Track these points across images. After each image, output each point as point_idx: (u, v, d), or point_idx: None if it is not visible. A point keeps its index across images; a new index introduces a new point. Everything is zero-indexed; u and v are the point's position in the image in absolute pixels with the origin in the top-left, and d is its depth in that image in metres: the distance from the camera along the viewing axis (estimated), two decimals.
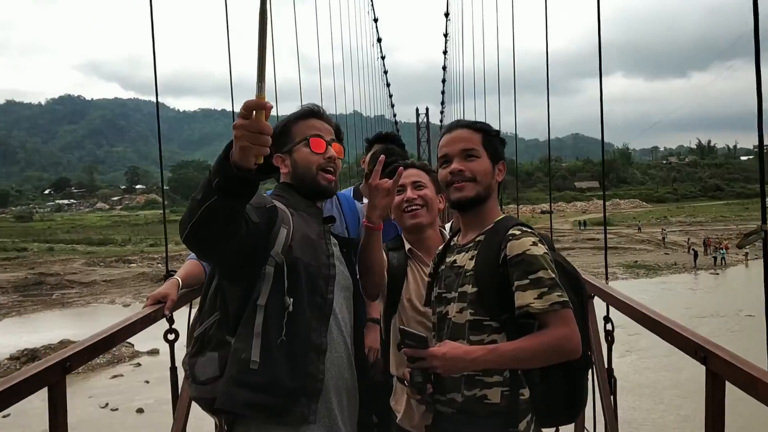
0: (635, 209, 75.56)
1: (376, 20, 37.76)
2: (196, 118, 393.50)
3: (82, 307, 29.73)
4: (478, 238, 1.87)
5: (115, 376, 16.30)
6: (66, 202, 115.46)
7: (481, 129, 1.93)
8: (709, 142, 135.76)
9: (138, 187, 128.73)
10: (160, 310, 2.31)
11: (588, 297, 2.46)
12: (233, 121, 1.39)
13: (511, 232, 1.77)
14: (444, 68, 47.62)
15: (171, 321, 2.39)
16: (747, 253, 39.06)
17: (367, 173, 2.98)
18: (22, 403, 1.56)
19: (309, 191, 2.01)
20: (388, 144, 3.26)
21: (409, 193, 2.32)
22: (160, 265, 39.18)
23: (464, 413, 1.78)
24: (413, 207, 2.31)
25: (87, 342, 1.91)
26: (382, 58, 42.32)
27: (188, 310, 2.51)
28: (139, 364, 17.23)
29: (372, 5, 36.81)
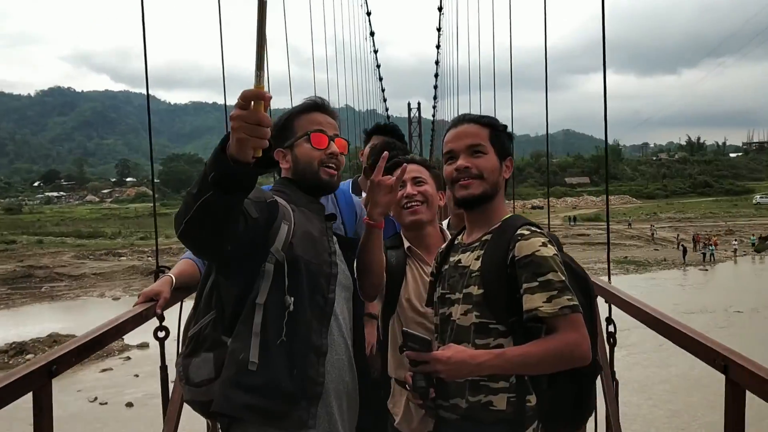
0: (625, 205, 75.84)
1: (369, 14, 37.58)
2: (187, 111, 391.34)
3: (72, 301, 29.54)
4: (484, 238, 1.80)
5: (104, 370, 16.21)
6: (55, 194, 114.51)
7: (489, 124, 1.86)
8: (699, 138, 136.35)
9: (128, 179, 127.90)
10: (151, 309, 2.23)
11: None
12: (225, 114, 1.35)
13: (519, 231, 1.71)
14: (437, 63, 47.47)
15: (161, 318, 2.31)
16: (735, 250, 39.39)
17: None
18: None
19: (310, 186, 1.95)
20: (388, 137, 3.17)
21: (409, 188, 2.26)
22: (150, 258, 39.00)
23: (468, 420, 1.72)
24: (413, 203, 2.25)
25: (74, 343, 1.83)
26: (375, 51, 42.13)
27: (179, 308, 2.48)
28: (128, 358, 17.14)
29: None
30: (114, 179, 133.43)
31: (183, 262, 2.44)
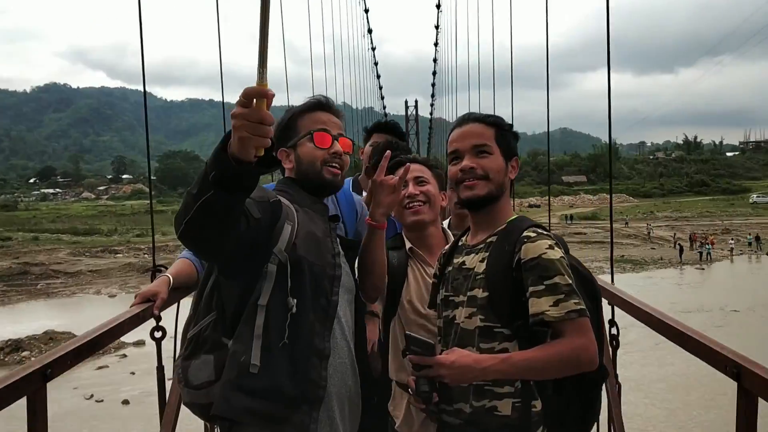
0: (622, 204, 75.94)
1: (366, 10, 37.53)
2: (183, 107, 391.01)
3: (67, 298, 29.49)
4: (489, 239, 1.77)
5: (100, 368, 16.16)
6: (51, 191, 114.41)
7: (494, 123, 1.82)
8: (696, 137, 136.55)
9: (124, 176, 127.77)
10: (148, 310, 2.19)
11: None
12: (222, 111, 1.31)
13: (525, 233, 1.67)
14: (435, 60, 47.47)
15: (158, 318, 2.27)
16: (732, 249, 39.48)
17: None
18: None
19: (313, 186, 1.91)
20: (388, 134, 3.12)
21: (411, 188, 2.23)
22: (146, 255, 38.95)
23: (472, 425, 1.69)
24: (415, 203, 2.22)
25: (69, 346, 1.78)
26: (373, 49, 42.09)
27: (176, 308, 2.44)
28: (124, 355, 17.10)
29: None
30: (110, 176, 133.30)
31: (180, 262, 2.40)
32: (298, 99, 2.06)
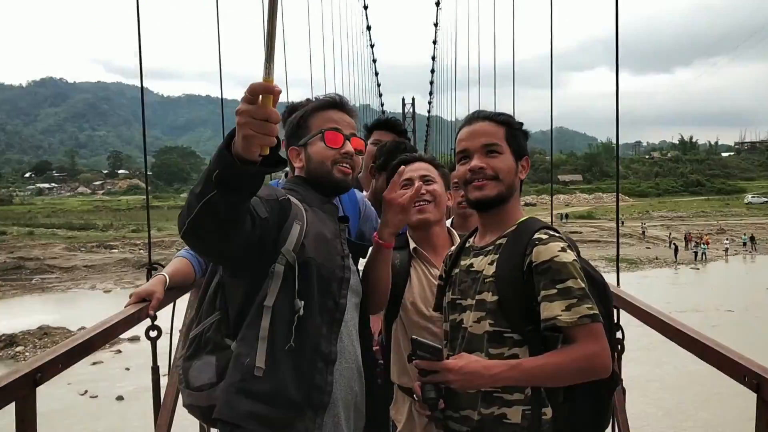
0: None
1: (366, 7, 37.43)
2: (180, 103, 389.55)
3: (62, 293, 29.44)
4: (498, 241, 1.72)
5: (94, 363, 16.11)
6: (47, 185, 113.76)
7: (505, 122, 1.78)
8: (691, 137, 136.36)
9: (120, 172, 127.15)
10: (144, 310, 2.15)
11: None
12: (219, 107, 1.29)
13: (537, 236, 1.63)
14: (433, 58, 47.38)
15: (154, 318, 2.23)
16: (727, 249, 39.60)
17: (372, 165, 2.85)
18: None
19: (324, 186, 1.86)
20: (388, 131, 3.08)
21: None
22: (142, 251, 38.88)
23: None
24: (421, 202, 2.18)
25: (61, 349, 1.72)
26: (372, 46, 41.97)
27: (172, 308, 2.42)
28: (119, 351, 17.07)
29: None
30: (106, 171, 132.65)
31: (177, 261, 2.36)
32: (296, 96, 2.02)
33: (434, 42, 43.98)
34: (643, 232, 46.95)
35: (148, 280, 2.36)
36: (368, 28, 39.21)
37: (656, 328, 2.18)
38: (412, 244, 2.24)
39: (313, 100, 2.59)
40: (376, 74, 47.21)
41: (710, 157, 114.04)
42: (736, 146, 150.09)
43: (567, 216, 58.44)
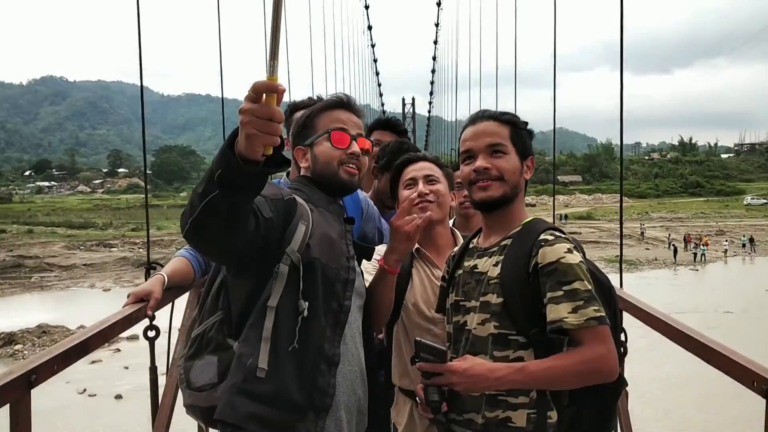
0: (616, 204, 75.98)
1: (367, 7, 37.42)
2: (180, 102, 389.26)
3: (61, 291, 29.39)
4: (503, 242, 1.70)
5: (93, 362, 16.09)
6: (46, 184, 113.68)
7: (509, 121, 1.75)
8: (691, 139, 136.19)
9: (120, 170, 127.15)
10: (142, 311, 2.12)
11: None
12: (219, 106, 1.27)
13: (543, 237, 1.61)
14: (434, 58, 47.38)
15: (152, 318, 2.21)
16: (726, 250, 39.61)
17: (375, 166, 2.83)
18: None
19: (329, 187, 1.84)
20: (388, 131, 3.05)
21: (421, 187, 2.17)
22: (141, 250, 38.84)
23: None
24: (424, 202, 2.15)
25: (56, 350, 1.68)
26: (372, 46, 41.96)
27: (170, 308, 2.39)
28: (118, 350, 17.05)
29: None
30: (106, 170, 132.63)
31: (177, 260, 2.33)
32: (297, 97, 2.01)
33: (435, 42, 44.00)
34: (642, 233, 46.94)
35: (146, 280, 2.34)
36: (369, 27, 39.22)
37: (661, 331, 2.14)
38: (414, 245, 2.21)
39: (315, 98, 2.58)
40: (377, 74, 47.22)
41: (710, 159, 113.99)
42: (736, 148, 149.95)
43: (566, 217, 58.44)
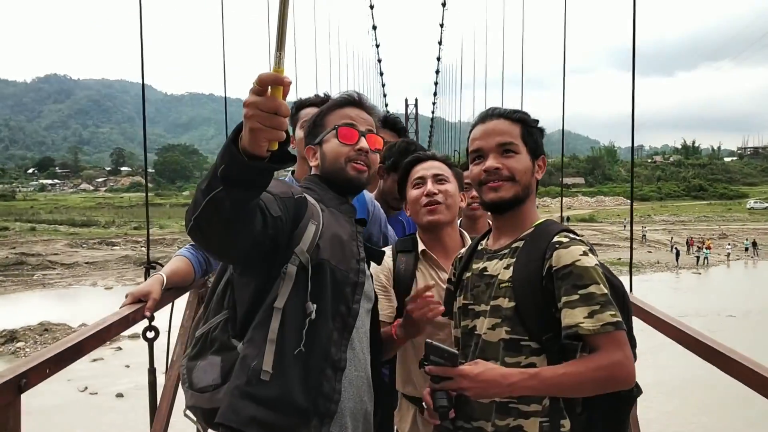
0: (619, 206, 75.92)
1: (372, 7, 37.40)
2: (183, 101, 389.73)
3: (64, 289, 29.40)
4: (515, 244, 1.64)
5: (95, 360, 16.11)
6: (50, 182, 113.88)
7: (520, 119, 1.69)
8: (694, 142, 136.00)
9: (123, 169, 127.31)
10: (139, 311, 2.07)
11: None
12: (222, 105, 1.24)
13: (557, 239, 1.55)
14: (438, 59, 47.34)
15: (151, 318, 2.17)
16: (729, 254, 39.51)
17: (380, 165, 2.81)
18: None
19: (338, 185, 1.79)
20: (389, 130, 3.02)
21: (430, 186, 2.11)
22: (143, 248, 38.81)
23: None
24: (433, 202, 2.10)
25: (49, 352, 1.60)
26: (377, 46, 41.92)
27: (170, 309, 2.36)
28: (120, 348, 17.06)
29: None
30: (109, 168, 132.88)
31: (177, 260, 2.30)
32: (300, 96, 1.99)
33: (440, 43, 43.98)
34: (644, 236, 46.86)
35: (146, 280, 2.30)
36: (374, 27, 39.20)
37: (673, 338, 2.08)
38: (421, 246, 2.16)
39: (322, 95, 2.57)
40: (381, 74, 47.22)
41: (713, 162, 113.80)
42: (739, 151, 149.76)
43: (568, 219, 58.35)
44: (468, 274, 1.75)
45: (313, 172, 1.86)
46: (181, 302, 2.47)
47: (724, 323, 20.23)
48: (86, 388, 14.00)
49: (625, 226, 53.70)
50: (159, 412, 2.32)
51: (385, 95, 52.31)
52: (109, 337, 1.95)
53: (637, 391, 1.59)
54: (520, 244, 1.64)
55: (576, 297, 1.47)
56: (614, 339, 1.46)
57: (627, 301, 1.65)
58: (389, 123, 3.15)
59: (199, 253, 2.36)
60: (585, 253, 1.53)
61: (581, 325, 1.45)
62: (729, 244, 42.32)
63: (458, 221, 2.71)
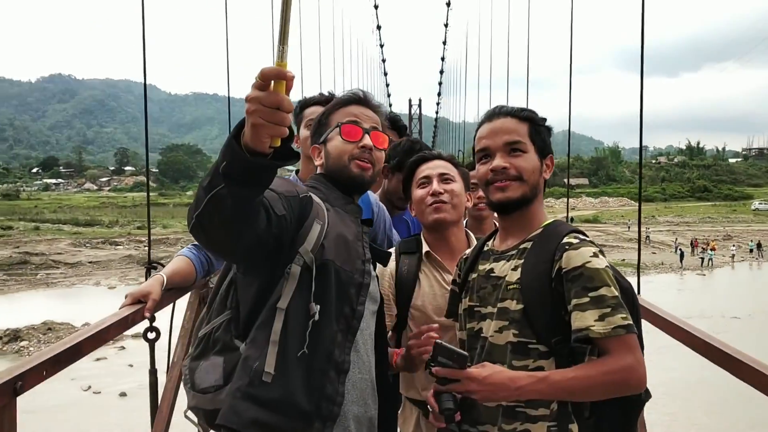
0: (623, 207, 75.84)
1: (376, 6, 37.38)
2: (187, 101, 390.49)
3: (67, 288, 29.46)
4: (522, 245, 1.61)
5: (98, 359, 16.13)
6: (54, 181, 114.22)
7: (528, 117, 1.65)
8: (698, 143, 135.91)
9: (127, 168, 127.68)
10: (139, 312, 2.04)
11: None
12: (226, 105, 1.21)
13: (567, 240, 1.52)
14: (443, 59, 47.28)
15: (152, 319, 2.15)
16: (734, 255, 39.41)
17: (385, 165, 2.80)
18: None
19: (342, 183, 1.76)
20: (391, 126, 3.00)
21: (436, 185, 2.08)
22: (147, 248, 38.90)
23: None
24: (439, 201, 2.07)
25: (45, 354, 1.56)
26: (381, 46, 41.92)
27: (171, 310, 2.34)
28: (123, 347, 17.08)
29: None
30: (113, 168, 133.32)
31: (179, 260, 2.27)
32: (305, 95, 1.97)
33: (444, 43, 43.93)
34: (647, 237, 46.76)
35: (146, 280, 2.28)
36: (378, 27, 39.19)
37: (681, 340, 2.05)
38: (425, 247, 2.13)
39: (327, 94, 2.56)
40: (385, 74, 47.21)
41: (717, 163, 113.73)
42: (744, 152, 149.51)
43: (572, 219, 58.35)
44: (474, 276, 1.72)
45: (318, 171, 1.84)
46: (183, 303, 2.44)
47: (729, 325, 20.15)
48: (89, 387, 14.01)
49: (629, 227, 53.60)
50: (160, 413, 2.30)
51: (389, 95, 52.31)
52: (107, 339, 1.92)
53: (646, 395, 1.56)
54: (528, 245, 1.61)
55: (586, 299, 1.44)
56: (625, 342, 1.43)
57: (636, 303, 1.62)
58: (389, 121, 3.13)
59: (201, 253, 2.34)
60: (595, 255, 1.50)
61: (592, 328, 1.42)
62: (733, 246, 42.20)
63: (464, 221, 2.70)
